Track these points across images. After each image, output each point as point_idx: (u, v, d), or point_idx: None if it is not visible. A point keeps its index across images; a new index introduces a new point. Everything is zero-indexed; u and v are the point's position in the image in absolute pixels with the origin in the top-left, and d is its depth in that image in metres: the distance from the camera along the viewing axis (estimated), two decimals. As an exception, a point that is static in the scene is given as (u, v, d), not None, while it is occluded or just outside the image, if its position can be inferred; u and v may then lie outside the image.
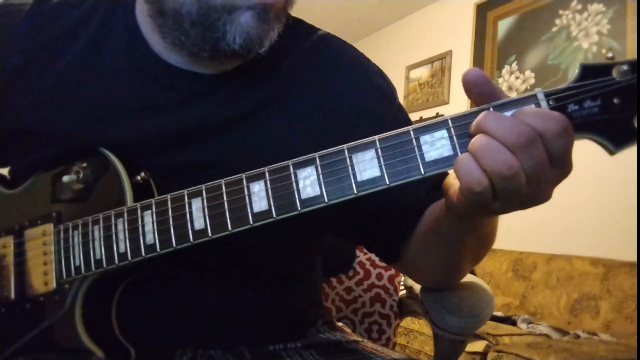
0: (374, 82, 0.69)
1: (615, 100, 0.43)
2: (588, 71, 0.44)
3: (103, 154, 0.60)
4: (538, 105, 0.45)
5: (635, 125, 0.43)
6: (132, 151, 0.61)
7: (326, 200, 0.48)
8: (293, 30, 0.68)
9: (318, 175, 0.48)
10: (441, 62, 3.67)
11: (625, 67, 0.43)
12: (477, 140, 0.43)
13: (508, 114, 0.44)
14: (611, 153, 0.44)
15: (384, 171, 0.47)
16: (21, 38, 0.65)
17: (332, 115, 0.65)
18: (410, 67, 3.95)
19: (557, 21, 2.85)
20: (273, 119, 0.63)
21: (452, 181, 0.49)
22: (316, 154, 0.49)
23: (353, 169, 0.47)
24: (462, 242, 0.59)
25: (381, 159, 0.47)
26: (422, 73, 3.84)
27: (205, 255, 0.63)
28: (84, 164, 0.61)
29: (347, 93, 0.66)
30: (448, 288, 0.76)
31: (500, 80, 3.14)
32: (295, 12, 0.67)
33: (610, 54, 0.44)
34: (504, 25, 3.19)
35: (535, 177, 0.43)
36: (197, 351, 0.65)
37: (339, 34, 0.73)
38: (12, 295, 0.62)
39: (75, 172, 0.60)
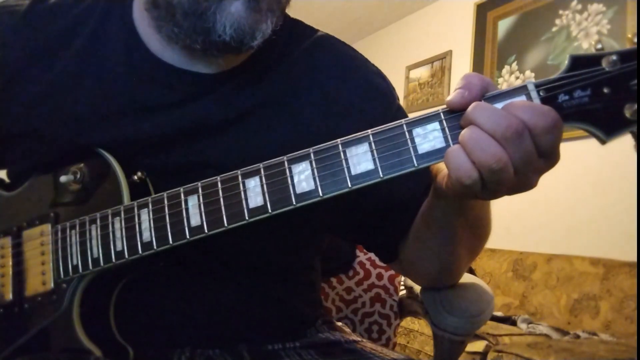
0: (373, 82, 0.69)
1: (605, 90, 0.43)
2: (578, 62, 0.45)
3: (100, 155, 0.60)
4: (528, 96, 0.45)
5: (626, 115, 0.43)
6: (130, 151, 0.61)
7: (321, 194, 0.48)
8: (291, 31, 0.68)
9: (312, 170, 0.49)
10: (441, 62, 3.67)
11: (614, 58, 0.43)
12: (467, 132, 0.44)
13: (499, 105, 0.45)
14: (602, 142, 0.44)
15: (378, 164, 0.47)
16: (18, 39, 0.65)
17: (330, 116, 0.64)
18: (410, 67, 3.95)
19: (557, 21, 2.84)
20: (271, 119, 0.63)
21: (441, 165, 0.49)
22: (310, 149, 0.49)
23: (347, 163, 0.48)
24: (453, 226, 0.59)
25: (375, 152, 0.47)
26: (422, 73, 3.84)
27: (204, 255, 0.63)
28: (81, 165, 0.61)
29: (345, 94, 0.66)
30: (447, 286, 0.76)
31: (500, 80, 3.13)
32: (295, 12, 0.67)
33: (599, 45, 0.45)
34: (504, 25, 3.18)
35: (523, 168, 0.43)
36: (195, 351, 0.65)
37: (339, 34, 0.73)
38: (10, 296, 0.62)
39: (72, 172, 0.60)
